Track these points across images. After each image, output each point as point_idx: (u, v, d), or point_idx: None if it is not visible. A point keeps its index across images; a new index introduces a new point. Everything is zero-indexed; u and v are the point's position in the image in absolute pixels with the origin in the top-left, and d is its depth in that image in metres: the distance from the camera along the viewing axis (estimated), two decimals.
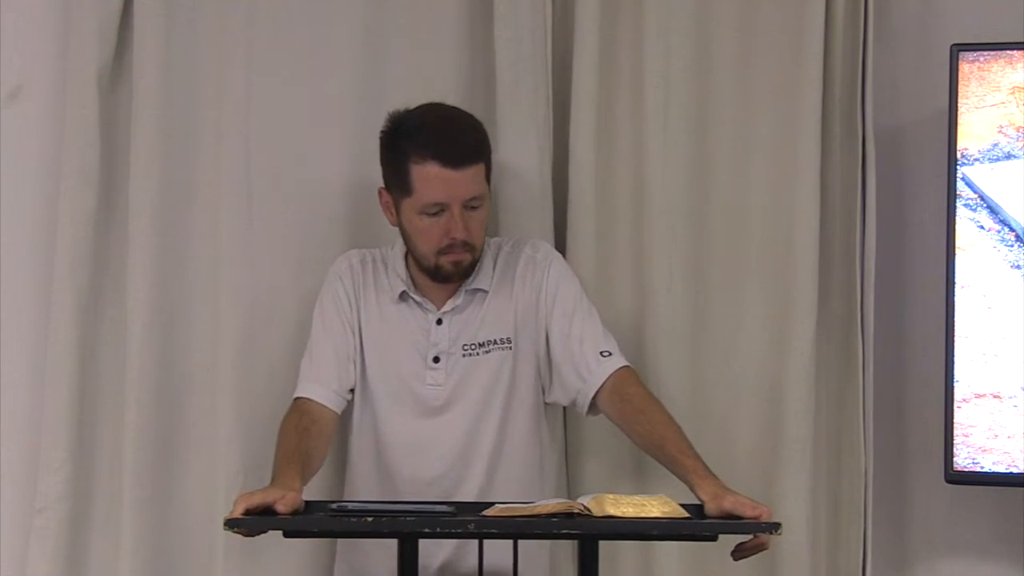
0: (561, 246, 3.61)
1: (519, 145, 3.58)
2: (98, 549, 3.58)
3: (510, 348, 3.32)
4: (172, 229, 3.59)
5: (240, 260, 3.58)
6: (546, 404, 3.39)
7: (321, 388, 3.31)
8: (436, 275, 3.29)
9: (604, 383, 3.29)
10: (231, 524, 2.92)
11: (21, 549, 3.56)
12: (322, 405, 3.30)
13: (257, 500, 2.96)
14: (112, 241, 3.59)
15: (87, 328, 3.56)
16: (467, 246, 3.26)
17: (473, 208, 3.25)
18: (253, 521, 2.95)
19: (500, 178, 3.54)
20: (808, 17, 3.58)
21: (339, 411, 3.33)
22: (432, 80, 3.63)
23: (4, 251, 3.64)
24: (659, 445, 3.20)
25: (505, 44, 3.59)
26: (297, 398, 3.32)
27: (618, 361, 3.31)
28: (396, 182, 3.28)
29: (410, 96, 3.57)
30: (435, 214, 3.24)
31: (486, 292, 3.33)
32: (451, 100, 3.59)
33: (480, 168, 3.26)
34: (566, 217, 3.62)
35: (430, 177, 3.23)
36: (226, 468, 3.54)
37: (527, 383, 3.34)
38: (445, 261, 3.26)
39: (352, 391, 3.35)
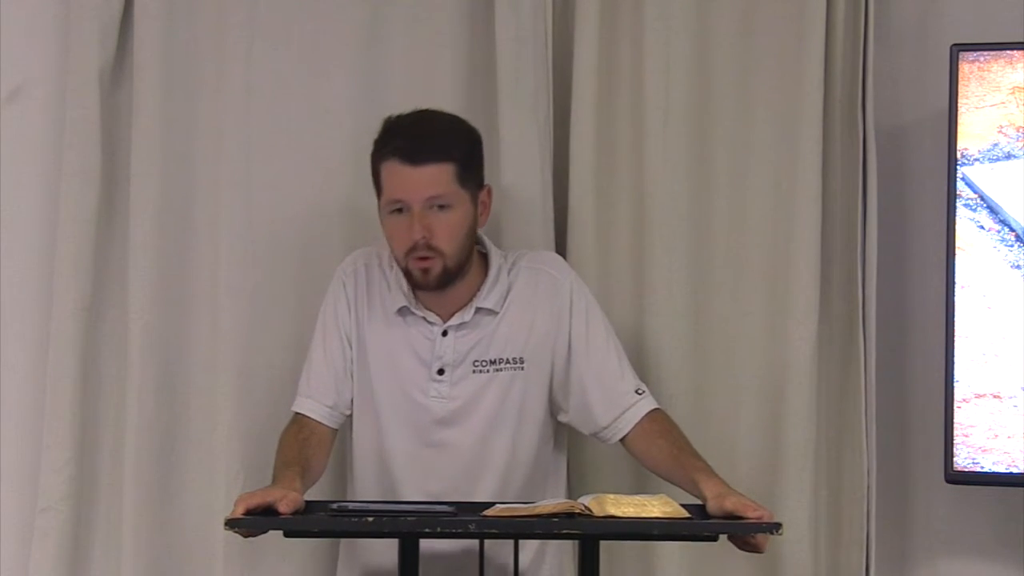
0: (562, 246, 3.61)
1: (519, 145, 3.58)
2: (100, 548, 3.59)
3: (521, 368, 3.28)
4: (172, 229, 3.60)
5: (240, 260, 3.58)
6: (559, 424, 3.37)
7: (317, 405, 3.29)
8: (410, 282, 3.24)
9: (640, 421, 3.27)
10: (231, 524, 2.92)
11: (23, 548, 3.57)
12: (318, 422, 3.29)
13: (257, 500, 2.95)
14: (113, 241, 3.60)
15: (88, 328, 3.57)
16: (432, 250, 3.17)
17: (439, 209, 3.18)
18: (253, 521, 2.95)
19: (500, 178, 3.54)
20: (808, 17, 3.58)
21: (336, 427, 3.31)
22: (432, 80, 3.64)
23: (5, 251, 3.64)
24: (674, 455, 3.19)
25: (506, 44, 3.59)
26: (296, 413, 3.31)
27: (651, 401, 3.29)
28: (375, 184, 3.25)
29: (410, 96, 3.57)
30: (399, 212, 3.18)
31: (496, 313, 3.29)
32: (451, 100, 3.60)
33: (445, 168, 3.18)
34: (567, 217, 3.62)
35: (391, 173, 3.19)
36: (226, 468, 3.55)
37: (538, 403, 3.31)
38: (413, 267, 3.20)
39: (349, 407, 3.32)
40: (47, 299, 3.59)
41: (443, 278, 3.22)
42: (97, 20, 3.57)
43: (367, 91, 3.62)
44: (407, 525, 2.90)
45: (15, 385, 3.64)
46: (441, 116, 3.29)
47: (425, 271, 3.20)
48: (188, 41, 3.60)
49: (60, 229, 3.57)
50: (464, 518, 2.92)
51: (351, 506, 3.01)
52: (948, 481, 3.54)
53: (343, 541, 3.45)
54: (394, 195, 3.18)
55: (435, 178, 3.17)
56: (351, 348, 3.32)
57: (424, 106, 3.41)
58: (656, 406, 3.30)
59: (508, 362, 3.28)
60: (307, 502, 3.03)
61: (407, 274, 3.23)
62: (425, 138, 3.20)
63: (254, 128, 3.60)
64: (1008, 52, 3.51)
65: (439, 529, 2.88)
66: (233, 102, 3.60)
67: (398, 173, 3.18)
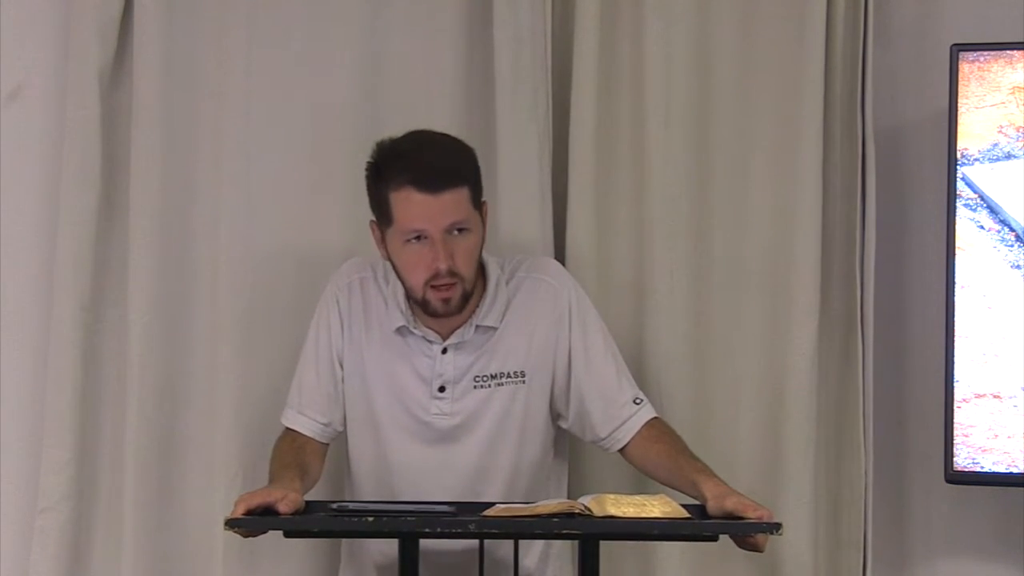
0: (561, 246, 3.61)
1: (519, 145, 3.58)
2: (100, 549, 3.59)
3: (523, 382, 3.26)
4: (172, 229, 3.59)
5: (240, 260, 3.58)
6: (559, 428, 3.36)
7: (310, 422, 3.28)
8: (426, 311, 3.19)
9: (639, 431, 3.26)
10: (231, 524, 2.92)
11: (23, 549, 3.57)
12: (309, 438, 3.28)
13: (258, 500, 2.95)
14: (113, 241, 3.60)
15: (88, 328, 3.57)
16: (453, 276, 3.13)
17: (459, 233, 3.13)
18: (253, 521, 2.95)
19: (500, 177, 3.55)
20: (808, 17, 3.58)
21: (328, 443, 3.31)
22: (431, 80, 3.63)
23: (5, 251, 3.64)
24: (673, 457, 3.18)
25: (505, 44, 3.58)
26: (287, 428, 3.31)
27: (649, 411, 3.28)
28: (379, 213, 3.18)
29: (410, 96, 3.58)
30: (417, 240, 3.12)
31: (495, 328, 3.25)
32: (450, 101, 3.60)
33: (462, 192, 3.13)
34: (566, 217, 3.62)
35: (408, 203, 3.11)
36: (226, 468, 3.54)
37: (540, 415, 3.29)
38: (433, 297, 3.14)
39: (342, 423, 3.31)
40: (47, 299, 3.58)
41: (461, 304, 3.19)
42: (97, 20, 3.57)
43: (367, 91, 3.62)
44: (407, 525, 2.90)
45: (15, 385, 3.64)
46: (442, 138, 3.23)
47: (446, 300, 3.16)
48: (188, 41, 3.60)
49: (60, 229, 3.57)
50: (464, 518, 2.91)
51: (351, 506, 3.01)
52: (948, 481, 3.54)
53: (343, 542, 3.44)
54: (414, 224, 3.12)
55: (455, 205, 3.12)
56: (341, 369, 3.30)
57: (422, 106, 3.41)
58: (655, 415, 3.28)
59: (509, 376, 3.26)
60: (307, 502, 3.03)
61: (424, 304, 3.17)
62: (441, 164, 3.13)
63: (254, 128, 3.60)
64: (1008, 52, 3.51)
65: (439, 529, 2.88)
66: (233, 102, 3.60)
67: (417, 202, 3.11)
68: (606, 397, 3.27)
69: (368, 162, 3.20)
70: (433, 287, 3.14)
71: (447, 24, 3.65)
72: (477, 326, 3.24)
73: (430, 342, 3.25)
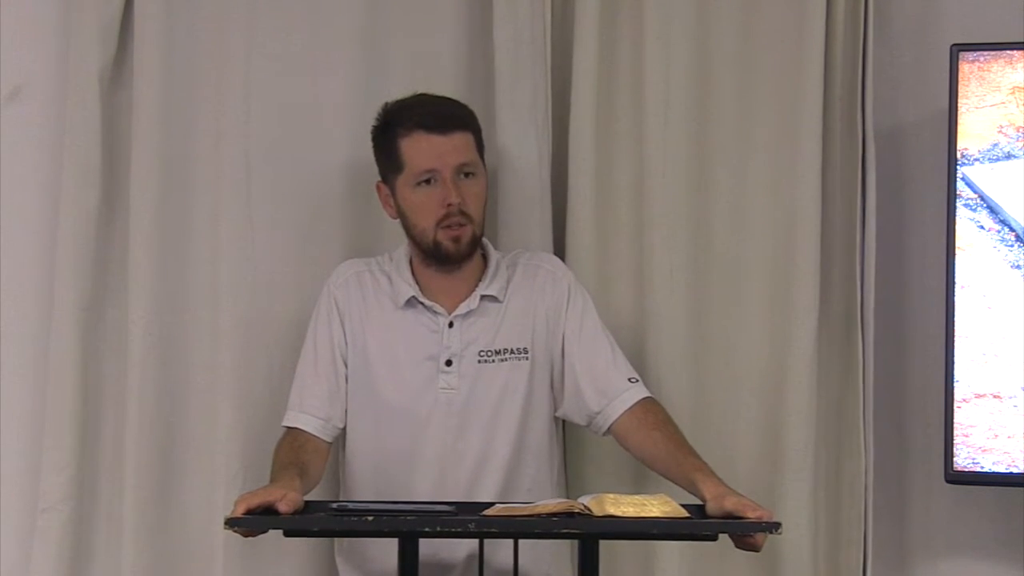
0: (561, 246, 3.61)
1: (519, 144, 3.58)
2: (100, 549, 3.59)
3: (527, 358, 3.30)
4: (172, 229, 3.59)
5: (240, 260, 3.58)
6: (556, 421, 3.39)
7: (310, 419, 3.30)
8: (437, 255, 3.26)
9: (631, 407, 3.28)
10: (231, 524, 2.92)
11: (24, 549, 3.57)
12: (312, 435, 3.29)
13: (258, 500, 2.95)
14: (113, 241, 3.60)
15: (88, 328, 3.57)
16: (465, 216, 3.24)
17: (466, 176, 3.26)
18: (253, 520, 2.95)
19: (499, 177, 3.55)
20: (808, 17, 3.58)
21: (330, 441, 3.32)
22: (432, 79, 3.63)
23: (5, 251, 3.64)
24: (671, 451, 3.19)
25: (505, 44, 3.59)
26: (288, 428, 3.31)
27: (643, 390, 3.30)
28: (388, 164, 3.29)
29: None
30: (428, 182, 3.24)
31: (500, 302, 3.31)
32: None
33: (468, 137, 3.28)
34: (565, 217, 3.62)
35: (418, 145, 3.25)
36: (226, 468, 3.54)
37: (542, 394, 3.32)
38: (444, 237, 3.24)
39: (343, 419, 3.32)
40: (47, 299, 3.58)
41: (471, 247, 3.27)
42: (97, 20, 3.57)
43: (367, 91, 3.61)
44: (407, 524, 2.90)
45: (15, 385, 3.63)
46: (448, 97, 3.38)
47: (456, 239, 3.25)
48: (188, 41, 3.60)
49: (60, 229, 3.57)
50: (464, 517, 2.91)
51: (351, 506, 3.02)
52: (948, 481, 3.54)
53: (336, 543, 3.45)
54: (426, 165, 3.24)
55: (464, 145, 3.27)
56: (345, 366, 3.32)
57: None
58: (648, 394, 3.30)
59: (513, 352, 3.30)
60: (307, 502, 3.03)
61: (435, 248, 3.26)
62: (448, 109, 3.30)
63: (254, 128, 3.60)
64: (1008, 52, 3.51)
65: (439, 528, 2.88)
66: (233, 102, 3.60)
67: (428, 143, 3.25)
68: (598, 371, 3.30)
69: (374, 125, 3.33)
70: (444, 227, 3.24)
71: (447, 24, 3.66)
72: (482, 296, 3.29)
73: (436, 314, 3.28)
